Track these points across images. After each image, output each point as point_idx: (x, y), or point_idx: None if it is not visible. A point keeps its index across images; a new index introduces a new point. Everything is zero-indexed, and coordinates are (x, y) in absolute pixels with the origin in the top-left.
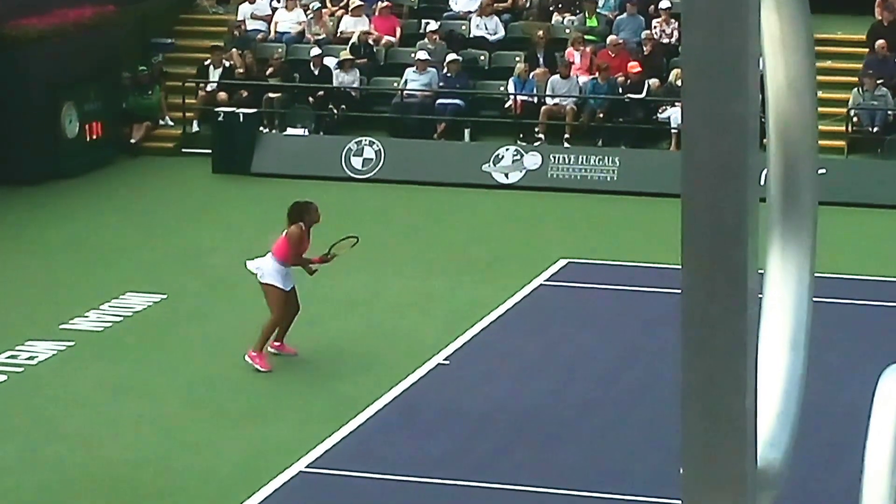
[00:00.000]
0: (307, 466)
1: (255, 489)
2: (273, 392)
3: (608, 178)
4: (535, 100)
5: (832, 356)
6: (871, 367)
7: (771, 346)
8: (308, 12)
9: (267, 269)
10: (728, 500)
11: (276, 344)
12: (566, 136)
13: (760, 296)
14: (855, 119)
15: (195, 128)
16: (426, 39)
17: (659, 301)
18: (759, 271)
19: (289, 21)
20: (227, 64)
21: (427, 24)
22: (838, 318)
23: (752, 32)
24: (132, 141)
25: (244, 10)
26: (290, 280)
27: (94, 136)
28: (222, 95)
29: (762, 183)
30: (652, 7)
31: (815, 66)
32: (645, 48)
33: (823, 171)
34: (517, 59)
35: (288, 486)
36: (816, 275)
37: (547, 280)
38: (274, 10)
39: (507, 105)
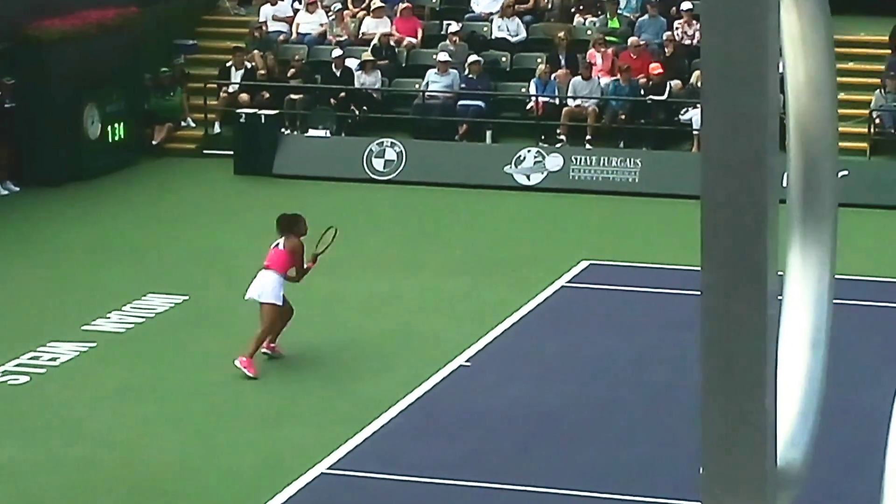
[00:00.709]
0: (329, 468)
1: (277, 490)
2: (294, 394)
3: (630, 180)
4: (557, 101)
5: (854, 358)
6: (893, 370)
7: (791, 346)
8: (330, 14)
9: (270, 287)
10: (748, 499)
11: (271, 346)
12: (588, 137)
13: (780, 297)
14: (877, 121)
15: (217, 129)
16: (448, 41)
17: (680, 302)
18: (779, 273)
19: (310, 23)
20: (248, 65)
21: (448, 25)
22: (860, 319)
23: (772, 33)
24: (154, 142)
25: (266, 11)
26: (282, 289)
27: (117, 138)
28: (244, 97)
29: (783, 184)
30: (674, 8)
31: (836, 67)
32: (667, 49)
33: (845, 172)
34: (539, 60)
35: (309, 488)
36: (838, 277)
37: (569, 282)
38: (296, 11)
39: (528, 106)
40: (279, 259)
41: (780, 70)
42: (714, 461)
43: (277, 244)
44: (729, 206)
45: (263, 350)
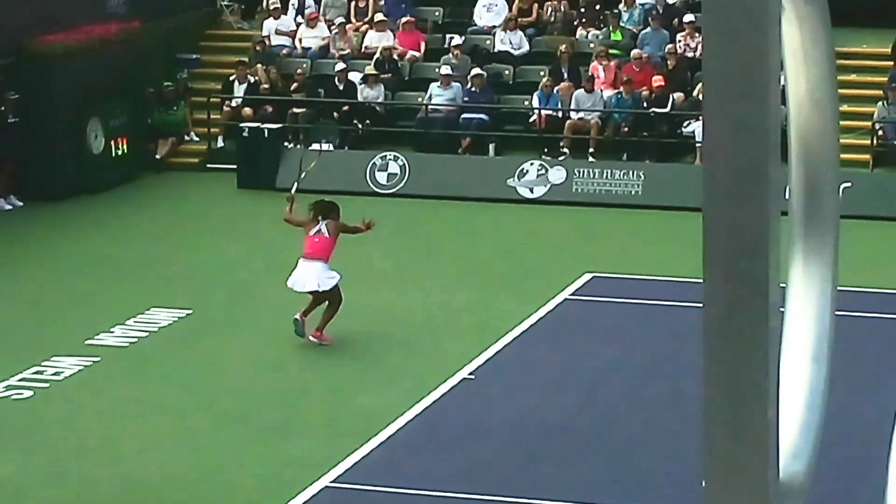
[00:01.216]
0: (333, 481)
1: (282, 503)
2: (298, 406)
3: (633, 193)
4: (560, 114)
5: (857, 370)
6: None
7: (794, 359)
8: (332, 28)
9: (324, 276)
10: None
11: (318, 333)
12: (591, 150)
13: (782, 309)
14: (880, 132)
15: (220, 143)
16: (450, 54)
17: (684, 315)
18: (782, 285)
19: (312, 37)
20: (251, 79)
21: (451, 38)
22: (864, 331)
23: (773, 45)
24: (157, 156)
25: (268, 25)
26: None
27: (120, 152)
28: (247, 111)
29: (785, 196)
30: (676, 21)
31: (837, 79)
32: (669, 62)
33: (848, 184)
34: (541, 73)
35: (314, 501)
36: (842, 288)
37: (572, 294)
38: (298, 25)
39: (531, 119)
40: (325, 247)
41: (782, 82)
42: (716, 473)
43: (319, 230)
44: (730, 218)
45: (312, 338)
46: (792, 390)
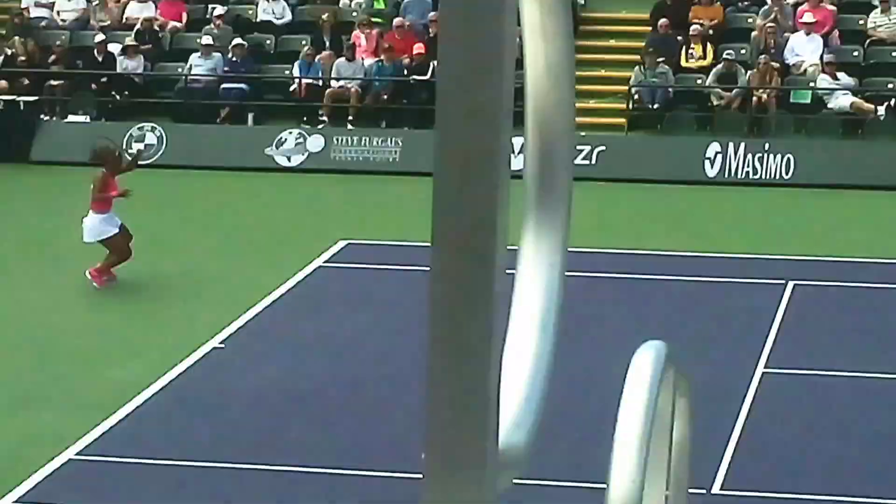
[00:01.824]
0: (77, 454)
1: (25, 477)
2: (41, 380)
3: (390, 160)
4: (321, 83)
5: (600, 331)
6: (637, 340)
7: (520, 327)
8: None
9: (93, 227)
10: (469, 480)
11: (93, 271)
12: (350, 118)
13: (511, 271)
14: (636, 97)
15: None
16: (212, 24)
17: None
18: (512, 247)
19: (70, 10)
20: (8, 52)
21: (213, 8)
22: (606, 292)
23: (510, 18)
24: None
25: None
26: (115, 222)
27: None
28: (3, 84)
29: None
30: None
31: (575, 52)
32: (431, 30)
33: (602, 147)
34: (303, 42)
35: (58, 474)
36: (589, 251)
37: (325, 262)
38: None
39: (291, 89)
40: (92, 200)
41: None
42: (436, 444)
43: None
44: (459, 181)
45: (88, 274)
46: (517, 360)
